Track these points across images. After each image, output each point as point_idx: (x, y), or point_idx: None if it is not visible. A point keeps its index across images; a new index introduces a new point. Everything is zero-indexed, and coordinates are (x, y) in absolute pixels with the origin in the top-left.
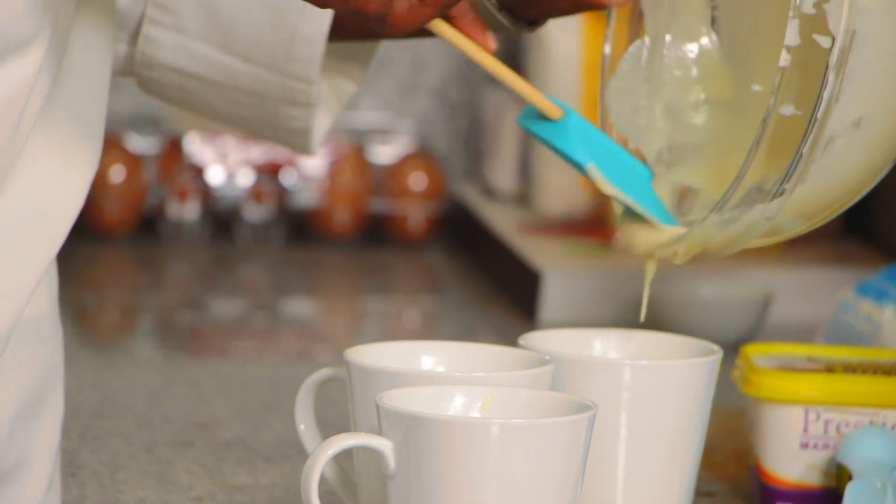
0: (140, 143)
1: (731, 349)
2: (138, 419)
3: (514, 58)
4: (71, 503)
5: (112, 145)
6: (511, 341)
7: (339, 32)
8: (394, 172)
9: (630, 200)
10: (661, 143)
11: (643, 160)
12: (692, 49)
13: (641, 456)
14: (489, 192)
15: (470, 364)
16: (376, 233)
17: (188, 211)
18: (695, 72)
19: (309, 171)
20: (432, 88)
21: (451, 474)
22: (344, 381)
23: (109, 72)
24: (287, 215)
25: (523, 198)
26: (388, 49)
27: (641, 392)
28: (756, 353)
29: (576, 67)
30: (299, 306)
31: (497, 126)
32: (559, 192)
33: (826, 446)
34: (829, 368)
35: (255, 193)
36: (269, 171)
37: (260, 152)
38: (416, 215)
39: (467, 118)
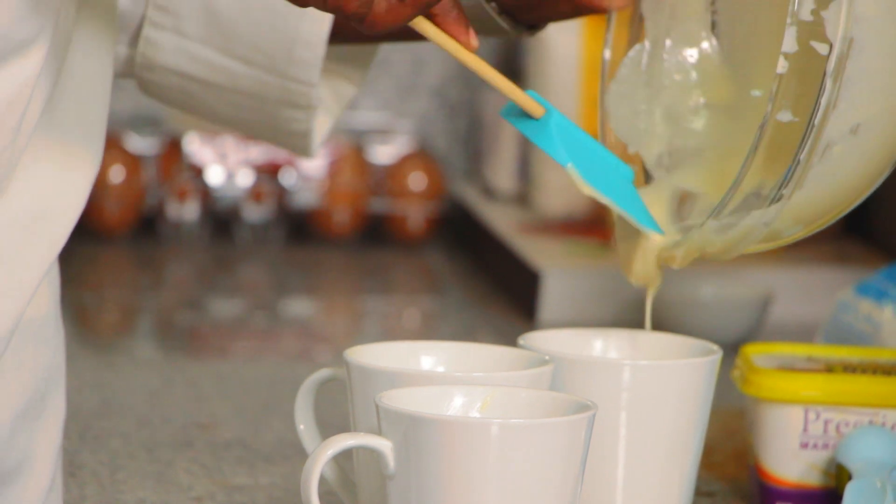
0: (140, 144)
1: (731, 349)
2: (138, 419)
3: (513, 59)
4: (71, 503)
5: (112, 145)
6: (511, 341)
7: (339, 35)
8: (393, 172)
9: (609, 201)
10: (661, 148)
11: (642, 164)
12: (692, 54)
13: (641, 456)
14: (489, 192)
15: (469, 364)
16: (376, 233)
17: (188, 211)
18: (695, 76)
19: (308, 172)
20: (432, 88)
21: (451, 474)
22: (344, 382)
23: (111, 73)
24: (287, 215)
25: (523, 198)
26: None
27: (641, 392)
28: (756, 353)
29: (575, 68)
30: (299, 306)
31: (497, 126)
32: (559, 192)
33: (826, 446)
34: (829, 368)
35: (255, 193)
36: (268, 172)
37: (259, 152)
38: (415, 215)
39: (467, 118)
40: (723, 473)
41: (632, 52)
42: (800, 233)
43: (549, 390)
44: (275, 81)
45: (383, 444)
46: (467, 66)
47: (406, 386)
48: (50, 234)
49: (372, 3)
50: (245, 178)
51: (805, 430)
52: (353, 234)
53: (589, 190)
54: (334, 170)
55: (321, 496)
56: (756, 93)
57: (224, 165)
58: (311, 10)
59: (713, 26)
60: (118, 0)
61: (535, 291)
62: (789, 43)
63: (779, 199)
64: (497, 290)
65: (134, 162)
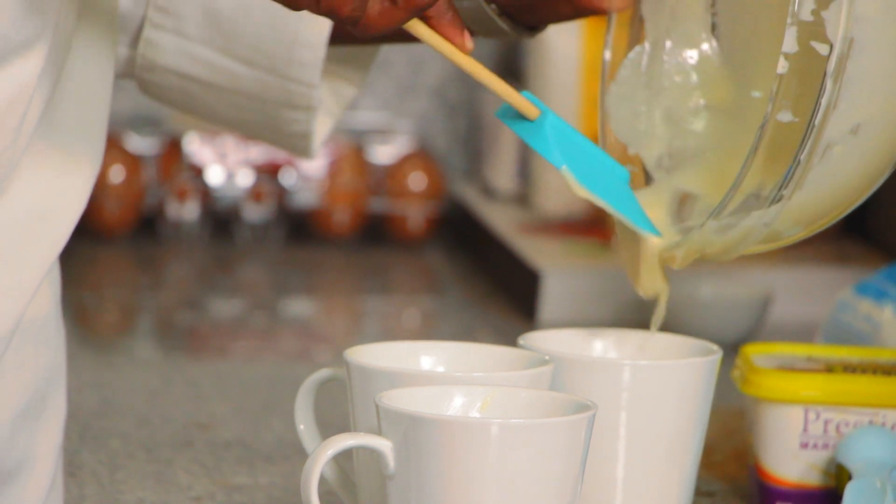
0: (140, 144)
1: (731, 349)
2: (138, 419)
3: (513, 59)
4: (70, 503)
5: (112, 145)
6: (510, 341)
7: (339, 37)
8: (393, 172)
9: (603, 203)
10: (661, 149)
11: (642, 165)
12: (692, 55)
13: (641, 456)
14: (489, 192)
15: (469, 364)
16: (376, 233)
17: (188, 211)
18: (695, 78)
19: (308, 172)
20: (431, 88)
21: (451, 474)
22: (343, 381)
23: (112, 74)
24: (286, 215)
25: (523, 198)
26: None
27: (641, 392)
28: (756, 352)
29: (575, 69)
30: (299, 306)
31: (496, 126)
32: (559, 192)
33: (826, 446)
34: (829, 368)
35: (255, 193)
36: (268, 171)
37: (259, 152)
38: (415, 215)
39: (466, 118)
40: (723, 473)
41: (632, 54)
42: (800, 234)
43: (549, 390)
44: (275, 82)
45: (383, 444)
46: (462, 68)
47: (406, 386)
48: (51, 234)
49: (365, 7)
50: (245, 178)
51: (805, 430)
52: (352, 234)
53: (584, 192)
54: (334, 170)
55: (321, 496)
56: (756, 94)
57: (224, 165)
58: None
59: (713, 28)
60: (119, 1)
61: (535, 291)
62: (790, 43)
63: (779, 200)
64: (497, 290)
65: (134, 162)
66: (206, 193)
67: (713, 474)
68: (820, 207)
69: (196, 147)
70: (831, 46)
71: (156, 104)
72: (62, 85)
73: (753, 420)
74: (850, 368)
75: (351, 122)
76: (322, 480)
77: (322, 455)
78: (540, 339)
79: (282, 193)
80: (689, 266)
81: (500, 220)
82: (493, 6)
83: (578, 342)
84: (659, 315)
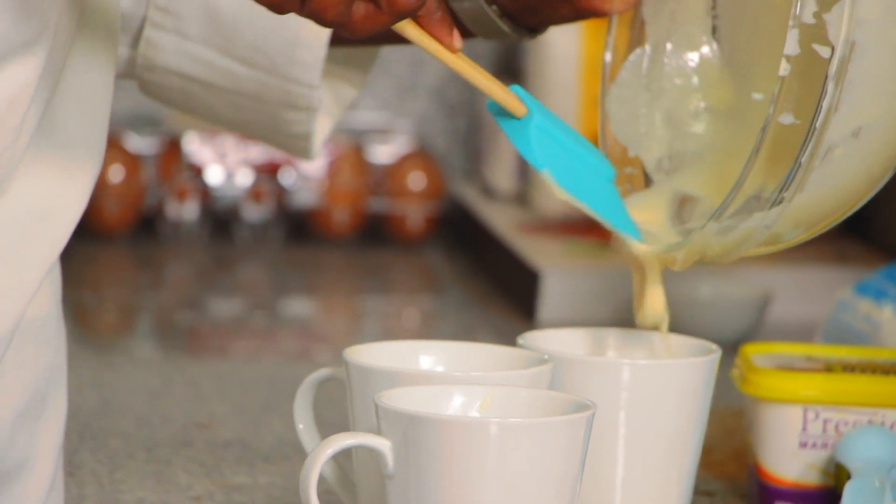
0: (139, 143)
1: (731, 349)
2: (137, 419)
3: (513, 59)
4: (70, 503)
5: (111, 145)
6: (510, 341)
7: (339, 38)
8: (393, 172)
9: (584, 206)
10: (661, 151)
11: (642, 167)
12: (693, 57)
13: (640, 455)
14: (488, 192)
15: (469, 364)
16: (375, 232)
17: (187, 211)
18: (695, 80)
19: (308, 171)
20: (431, 88)
21: (450, 474)
22: (343, 381)
23: (112, 75)
24: (286, 215)
25: (522, 197)
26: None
27: (640, 391)
28: (755, 352)
29: (575, 69)
30: (298, 306)
31: (496, 126)
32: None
33: (825, 445)
34: (828, 368)
35: (254, 193)
36: (268, 171)
37: (259, 152)
38: (414, 215)
39: (466, 118)
40: (722, 473)
41: (632, 56)
42: (801, 236)
43: (549, 390)
44: (275, 83)
45: (382, 444)
46: (450, 67)
47: (405, 385)
48: (51, 234)
49: (350, 11)
50: (244, 178)
51: (804, 429)
52: (352, 234)
53: (565, 195)
54: (334, 169)
55: (320, 496)
56: (757, 96)
57: (223, 165)
58: None
59: (714, 30)
60: (119, 1)
61: (535, 291)
62: (791, 46)
63: (780, 202)
64: (496, 289)
65: (134, 162)
66: (205, 193)
67: (712, 474)
68: (821, 210)
69: (196, 147)
70: (833, 49)
71: (156, 104)
72: (63, 85)
73: (753, 420)
74: (849, 368)
75: (351, 122)
76: (321, 480)
77: (321, 454)
78: (539, 339)
79: (281, 193)
80: (689, 267)
81: (500, 219)
82: (494, 7)
83: (578, 342)
84: (664, 337)
